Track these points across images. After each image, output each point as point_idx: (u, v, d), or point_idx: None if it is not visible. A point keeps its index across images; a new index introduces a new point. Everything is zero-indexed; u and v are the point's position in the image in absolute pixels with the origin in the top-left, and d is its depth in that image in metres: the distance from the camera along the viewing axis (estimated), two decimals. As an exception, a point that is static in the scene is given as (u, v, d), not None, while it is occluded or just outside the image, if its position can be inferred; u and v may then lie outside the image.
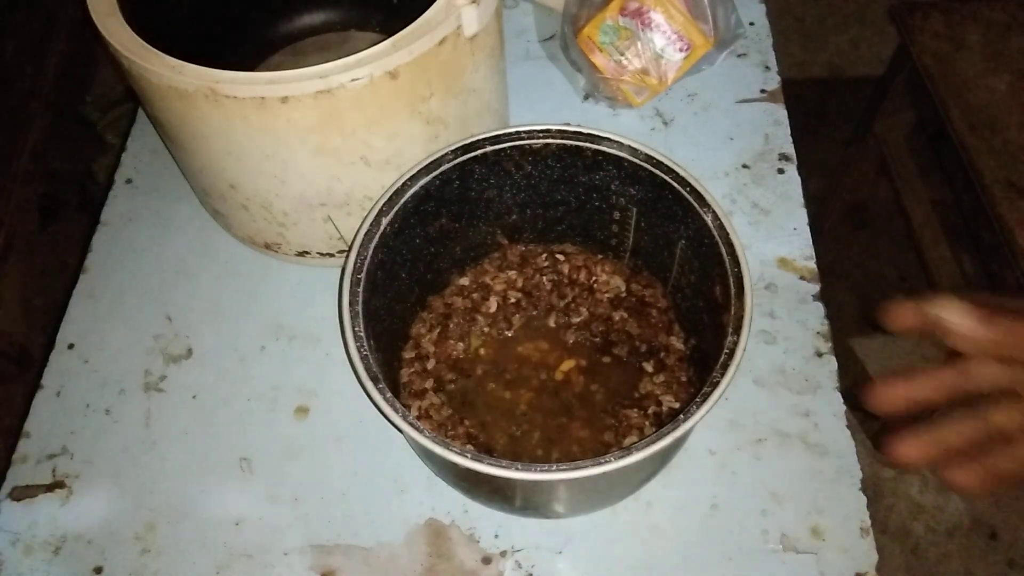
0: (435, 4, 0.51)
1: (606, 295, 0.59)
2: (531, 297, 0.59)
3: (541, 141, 0.53)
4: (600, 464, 0.40)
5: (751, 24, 0.79)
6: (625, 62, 0.72)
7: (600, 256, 0.60)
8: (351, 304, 0.46)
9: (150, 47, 0.50)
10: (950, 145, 0.96)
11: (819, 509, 0.54)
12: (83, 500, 0.56)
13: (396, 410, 0.42)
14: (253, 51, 0.73)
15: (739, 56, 0.77)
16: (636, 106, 0.74)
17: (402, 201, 0.50)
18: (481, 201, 0.56)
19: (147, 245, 0.68)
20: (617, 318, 0.58)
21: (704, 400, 0.42)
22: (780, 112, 0.74)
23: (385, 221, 0.49)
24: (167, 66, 0.49)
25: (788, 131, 0.72)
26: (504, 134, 0.52)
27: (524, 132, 0.53)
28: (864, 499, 0.54)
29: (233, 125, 0.51)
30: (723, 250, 0.47)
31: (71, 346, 0.63)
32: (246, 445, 0.58)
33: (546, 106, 0.75)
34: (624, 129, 0.73)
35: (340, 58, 0.49)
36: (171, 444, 0.58)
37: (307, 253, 0.63)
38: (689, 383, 0.55)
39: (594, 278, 0.60)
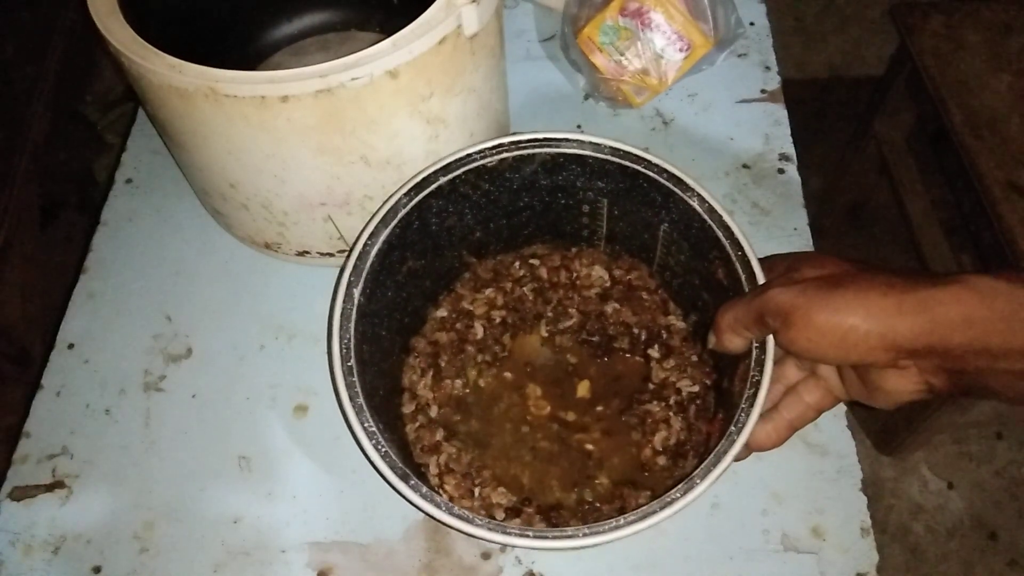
0: (435, 4, 0.51)
1: (592, 290, 0.57)
2: (516, 312, 0.57)
3: (495, 157, 0.50)
4: (669, 504, 0.39)
5: (751, 24, 0.79)
6: (625, 62, 0.72)
7: (574, 249, 0.58)
8: (352, 399, 0.43)
9: (150, 47, 0.50)
10: (950, 145, 0.96)
11: (819, 509, 0.54)
12: (83, 500, 0.56)
13: (440, 506, 0.40)
14: (253, 51, 0.73)
15: (739, 56, 0.77)
16: (636, 106, 0.74)
17: (367, 264, 0.47)
18: (443, 231, 0.53)
19: (147, 245, 0.68)
20: (610, 310, 0.56)
21: (751, 405, 0.41)
22: (780, 112, 0.74)
23: (357, 292, 0.47)
24: (167, 66, 0.49)
25: (788, 131, 0.72)
26: (455, 160, 0.50)
27: (475, 153, 0.50)
28: (864, 499, 0.54)
29: (233, 125, 0.51)
30: (719, 233, 0.46)
31: (71, 346, 0.63)
32: (245, 444, 0.58)
33: (546, 106, 0.75)
34: (624, 129, 0.73)
35: (340, 58, 0.49)
36: (171, 443, 0.58)
37: (307, 253, 0.63)
38: (701, 362, 0.53)
39: (575, 274, 0.57)
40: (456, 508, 0.41)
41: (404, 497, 0.42)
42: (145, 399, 0.60)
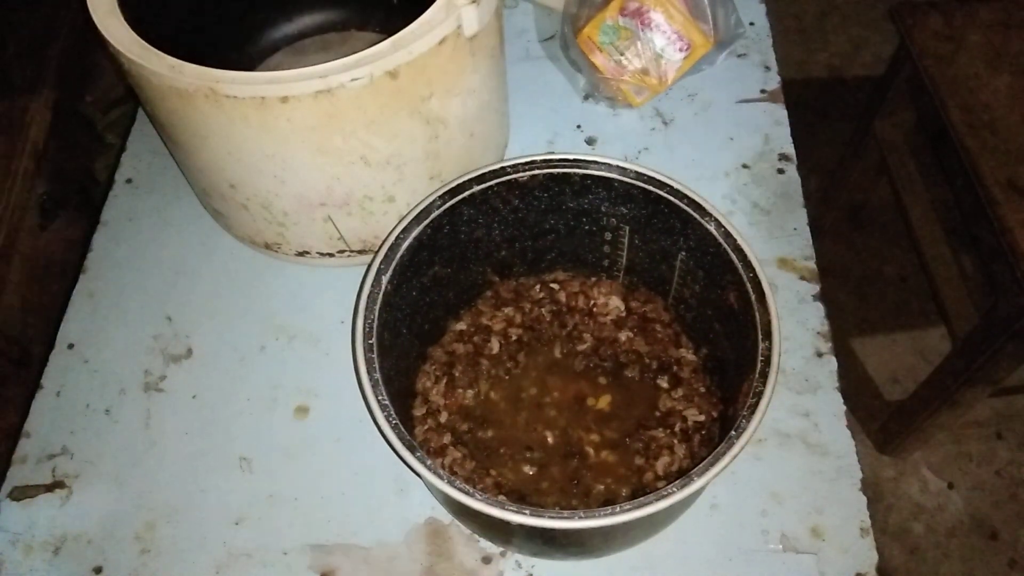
0: (435, 4, 0.51)
1: (608, 317, 0.58)
2: (533, 331, 0.58)
3: (527, 173, 0.52)
4: (665, 497, 0.39)
5: (751, 24, 0.79)
6: (625, 62, 0.72)
7: (594, 279, 0.60)
8: (369, 373, 0.45)
9: (150, 47, 0.50)
10: (950, 145, 0.95)
11: (819, 509, 0.54)
12: (83, 500, 0.56)
13: (441, 477, 0.41)
14: (253, 51, 0.73)
15: (739, 56, 0.77)
16: (636, 106, 0.74)
17: (398, 255, 0.49)
18: (471, 242, 0.55)
19: (147, 245, 0.68)
20: (623, 338, 0.57)
21: (753, 411, 0.42)
22: (780, 112, 0.74)
23: (385, 279, 0.48)
24: (167, 66, 0.49)
25: (788, 131, 0.72)
26: (489, 171, 0.52)
27: (509, 167, 0.52)
28: (864, 499, 0.54)
29: (233, 125, 0.51)
30: (733, 257, 0.47)
31: (71, 346, 0.63)
32: (246, 445, 0.58)
33: (546, 106, 0.75)
34: (624, 129, 0.73)
35: (340, 58, 0.49)
36: (171, 444, 0.58)
37: (307, 253, 0.63)
38: (709, 393, 0.55)
39: (592, 302, 0.59)
40: (457, 482, 0.41)
41: (410, 467, 0.42)
42: (145, 399, 0.60)
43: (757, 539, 0.53)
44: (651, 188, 0.50)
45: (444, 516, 0.54)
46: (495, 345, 0.58)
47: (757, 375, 0.43)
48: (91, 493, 0.56)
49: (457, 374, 0.56)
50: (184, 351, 0.62)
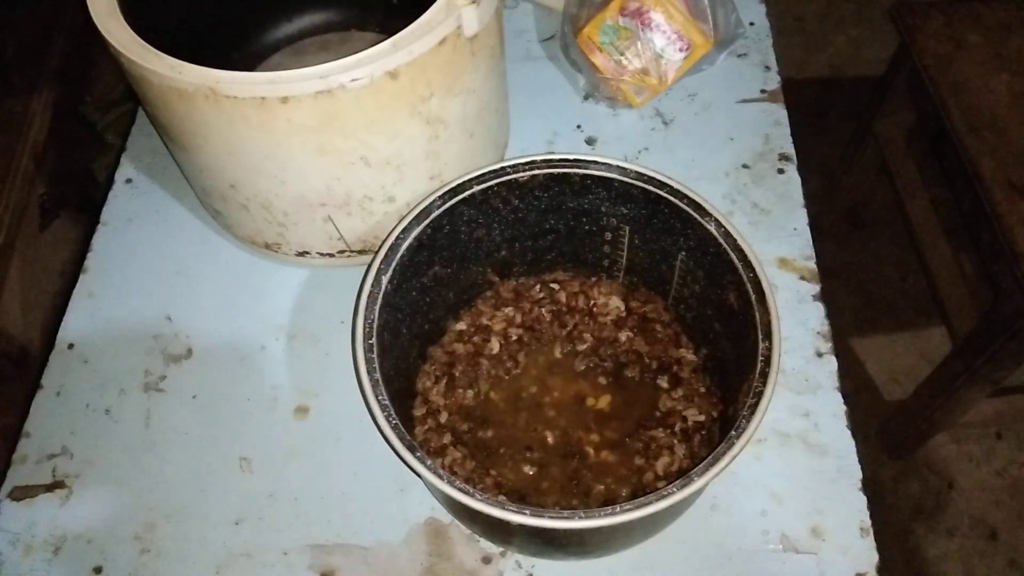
0: (435, 4, 0.51)
1: (608, 317, 0.58)
2: (533, 331, 0.58)
3: (527, 173, 0.52)
4: (665, 497, 0.39)
5: (751, 24, 0.79)
6: (625, 62, 0.72)
7: (594, 279, 0.60)
8: (369, 373, 0.45)
9: (150, 47, 0.50)
10: (950, 145, 0.95)
11: (819, 509, 0.54)
12: (83, 500, 0.56)
13: (441, 477, 0.41)
14: (253, 51, 0.73)
15: (739, 56, 0.77)
16: (636, 106, 0.74)
17: (398, 255, 0.49)
18: (471, 242, 0.55)
19: (147, 245, 0.68)
20: (623, 338, 0.58)
21: (753, 411, 0.42)
22: (780, 112, 0.74)
23: (385, 279, 0.49)
24: (167, 66, 0.49)
25: (788, 131, 0.72)
26: (490, 171, 0.52)
27: (509, 167, 0.52)
28: (864, 499, 0.54)
29: (233, 125, 0.51)
30: (733, 257, 0.47)
31: (71, 346, 0.63)
32: (246, 445, 0.58)
33: (546, 106, 0.75)
34: (624, 129, 0.73)
35: (340, 58, 0.49)
36: (171, 444, 0.58)
37: (307, 253, 0.63)
38: (709, 393, 0.55)
39: (592, 302, 0.59)
40: (457, 482, 0.41)
41: (410, 467, 0.42)
42: (145, 399, 0.60)
43: (757, 539, 0.53)
44: (651, 188, 0.50)
45: (444, 516, 0.54)
46: (495, 345, 0.58)
47: (757, 375, 0.43)
48: (91, 493, 0.56)
49: (457, 374, 0.56)
50: (184, 351, 0.62)
